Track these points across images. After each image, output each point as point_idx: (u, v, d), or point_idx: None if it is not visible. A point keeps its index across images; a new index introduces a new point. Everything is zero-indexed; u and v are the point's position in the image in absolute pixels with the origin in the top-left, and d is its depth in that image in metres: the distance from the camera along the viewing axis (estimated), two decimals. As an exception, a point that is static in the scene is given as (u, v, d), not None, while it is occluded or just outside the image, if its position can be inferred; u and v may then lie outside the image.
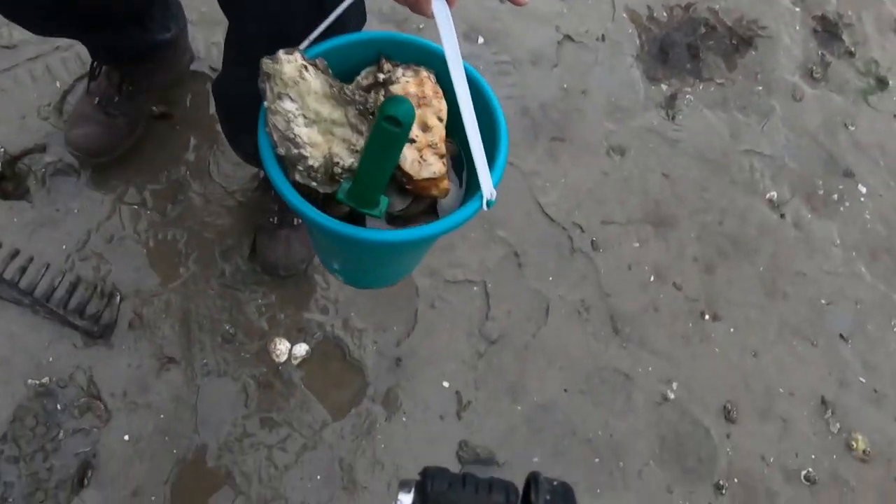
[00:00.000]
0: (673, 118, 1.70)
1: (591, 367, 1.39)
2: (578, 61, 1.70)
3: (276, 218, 1.28)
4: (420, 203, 0.86)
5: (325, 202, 0.77)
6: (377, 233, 0.71)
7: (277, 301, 1.30)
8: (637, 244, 1.53)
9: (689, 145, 1.67)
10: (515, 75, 1.64)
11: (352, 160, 0.68)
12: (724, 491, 1.34)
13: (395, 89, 0.73)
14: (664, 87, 1.73)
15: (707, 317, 1.49)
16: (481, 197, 0.73)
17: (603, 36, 1.75)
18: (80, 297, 1.22)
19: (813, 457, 1.41)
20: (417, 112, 0.74)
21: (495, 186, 0.73)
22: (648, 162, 1.63)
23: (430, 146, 0.74)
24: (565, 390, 1.36)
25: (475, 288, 1.40)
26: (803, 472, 1.39)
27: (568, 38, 1.72)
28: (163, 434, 1.18)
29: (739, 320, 1.51)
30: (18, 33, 1.38)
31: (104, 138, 1.27)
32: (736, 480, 1.36)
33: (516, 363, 1.36)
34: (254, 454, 1.19)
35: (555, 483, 0.52)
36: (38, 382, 1.17)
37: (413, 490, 0.50)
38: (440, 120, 0.77)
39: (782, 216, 1.65)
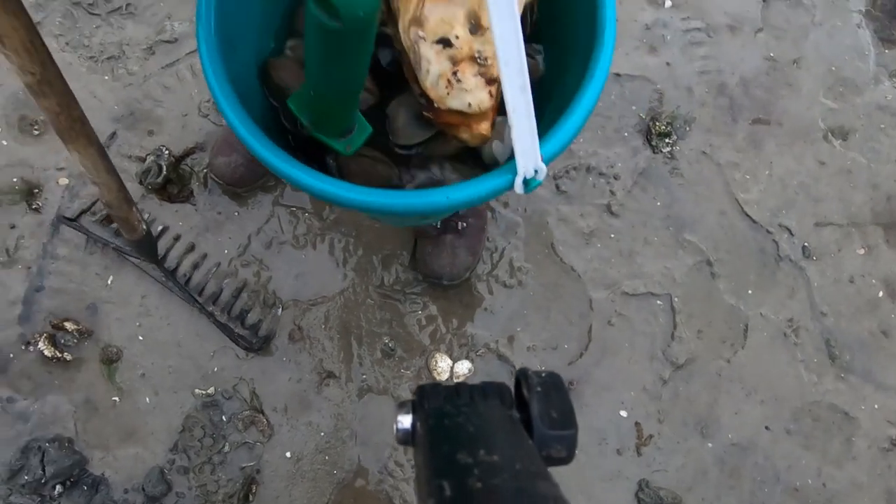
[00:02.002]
0: (913, 90, 1.37)
1: (801, 402, 1.17)
2: (790, 23, 1.41)
3: (438, 222, 1.17)
4: (447, 142, 0.58)
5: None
6: (307, 177, 0.48)
7: (439, 313, 1.20)
8: (862, 251, 1.26)
9: (934, 125, 1.35)
10: (710, 45, 1.39)
11: None
12: (971, 563, 1.09)
13: None
14: (902, 50, 1.40)
15: (954, 344, 1.21)
16: (514, 169, 0.46)
17: (821, -11, 1.44)
18: (244, 303, 1.19)
19: None
20: None
21: (546, 161, 0.45)
22: (879, 147, 1.33)
23: (474, 59, 0.46)
24: (767, 428, 1.16)
25: (659, 302, 1.22)
26: None
27: (776, -6, 1.43)
28: (323, 454, 1.13)
29: None
30: (179, 26, 1.35)
31: (246, 170, 1.20)
32: None
33: (707, 393, 1.17)
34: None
35: (543, 374, 0.52)
36: (204, 392, 1.16)
37: (411, 409, 0.51)
38: None
39: None
